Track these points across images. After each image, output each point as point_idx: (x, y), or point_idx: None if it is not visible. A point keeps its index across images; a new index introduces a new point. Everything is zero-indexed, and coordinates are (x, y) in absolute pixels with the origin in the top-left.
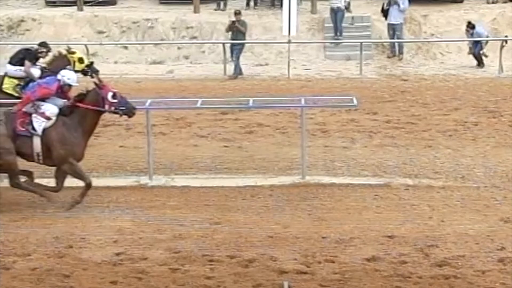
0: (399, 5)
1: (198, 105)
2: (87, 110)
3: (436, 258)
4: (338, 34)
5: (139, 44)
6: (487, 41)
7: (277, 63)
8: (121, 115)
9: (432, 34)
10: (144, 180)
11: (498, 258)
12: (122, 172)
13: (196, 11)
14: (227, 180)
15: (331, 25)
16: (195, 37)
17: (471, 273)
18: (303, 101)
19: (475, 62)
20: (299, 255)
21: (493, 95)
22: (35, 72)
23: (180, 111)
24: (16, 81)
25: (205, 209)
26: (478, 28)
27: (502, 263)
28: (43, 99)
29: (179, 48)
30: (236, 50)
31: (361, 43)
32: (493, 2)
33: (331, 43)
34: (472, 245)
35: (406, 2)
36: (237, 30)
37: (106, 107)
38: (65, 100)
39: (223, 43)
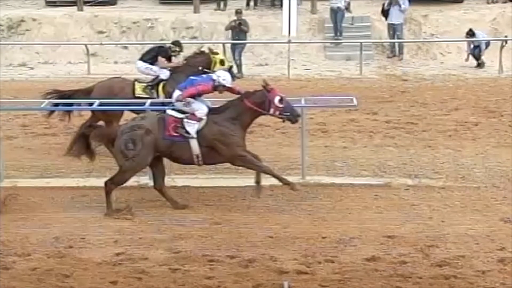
0: (400, 5)
1: None
2: (248, 109)
3: (436, 258)
4: (338, 34)
5: (139, 44)
6: (486, 47)
7: (277, 63)
8: (284, 121)
9: (432, 34)
10: (144, 180)
11: (498, 258)
12: None
13: (196, 11)
14: (227, 180)
15: (331, 25)
16: (195, 37)
17: (471, 273)
18: (303, 101)
19: (475, 62)
20: (299, 255)
21: (493, 95)
22: (164, 73)
23: None
24: (144, 84)
25: (205, 209)
26: (478, 36)
27: (502, 263)
28: (199, 95)
29: None
30: (239, 49)
31: (361, 43)
32: (493, 2)
33: (331, 43)
34: (472, 245)
35: (407, 2)
36: (240, 30)
37: (271, 110)
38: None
39: (223, 43)
